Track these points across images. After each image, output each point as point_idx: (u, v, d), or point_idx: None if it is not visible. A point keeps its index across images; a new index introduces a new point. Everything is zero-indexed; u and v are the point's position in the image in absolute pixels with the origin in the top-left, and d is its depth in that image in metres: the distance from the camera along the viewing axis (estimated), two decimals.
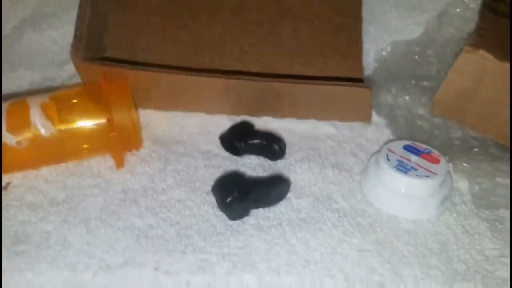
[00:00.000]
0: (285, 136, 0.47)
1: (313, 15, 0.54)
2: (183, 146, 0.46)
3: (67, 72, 0.52)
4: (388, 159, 0.39)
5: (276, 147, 0.44)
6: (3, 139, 0.38)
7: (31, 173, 0.41)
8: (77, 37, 0.44)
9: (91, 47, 0.46)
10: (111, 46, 0.49)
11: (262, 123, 0.49)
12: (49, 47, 0.55)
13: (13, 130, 0.38)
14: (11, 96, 0.49)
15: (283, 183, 0.41)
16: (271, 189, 0.39)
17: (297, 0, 0.55)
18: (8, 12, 0.56)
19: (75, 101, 0.41)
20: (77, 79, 0.51)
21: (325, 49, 0.53)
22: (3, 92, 0.50)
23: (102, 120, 0.40)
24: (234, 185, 0.38)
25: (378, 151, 0.42)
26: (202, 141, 0.47)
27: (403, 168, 0.38)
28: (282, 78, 0.48)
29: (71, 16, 0.55)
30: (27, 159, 0.39)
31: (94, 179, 0.42)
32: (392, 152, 0.40)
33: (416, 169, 0.38)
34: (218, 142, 0.47)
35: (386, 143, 0.44)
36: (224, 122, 0.49)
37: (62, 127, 0.39)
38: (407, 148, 0.41)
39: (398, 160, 0.39)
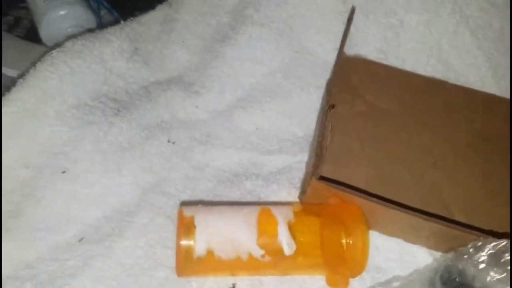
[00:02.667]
0: None
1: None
2: (385, 276, 0.46)
3: (272, 163, 0.54)
4: None
5: None
6: (251, 251, 0.39)
7: (256, 280, 0.43)
8: (317, 155, 0.46)
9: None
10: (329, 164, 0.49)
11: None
12: (256, 132, 0.56)
13: (262, 244, 0.39)
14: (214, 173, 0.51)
15: None
16: None
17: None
18: (224, 93, 0.58)
19: (311, 218, 0.42)
20: (283, 175, 0.52)
21: None
22: (215, 168, 0.52)
23: (335, 243, 0.40)
24: None
25: None
26: (401, 272, 0.47)
27: None
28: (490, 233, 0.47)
29: (282, 107, 0.58)
30: (258, 268, 0.41)
31: None
32: None
33: None
34: None
35: None
36: (422, 256, 0.49)
37: (298, 246, 0.40)
38: None
39: None
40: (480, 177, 0.52)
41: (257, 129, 0.57)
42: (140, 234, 0.45)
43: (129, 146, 0.50)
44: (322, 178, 0.46)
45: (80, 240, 0.44)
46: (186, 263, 0.39)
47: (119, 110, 0.52)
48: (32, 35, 0.67)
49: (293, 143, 0.56)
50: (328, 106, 0.51)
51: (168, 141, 0.53)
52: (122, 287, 0.41)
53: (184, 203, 0.47)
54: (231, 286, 0.42)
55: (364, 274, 0.45)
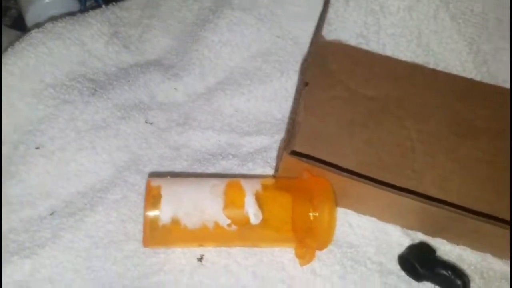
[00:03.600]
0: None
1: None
2: (356, 252, 0.46)
3: (250, 144, 0.54)
4: None
5: (459, 282, 0.43)
6: (217, 220, 0.39)
7: (224, 251, 0.43)
8: (289, 131, 0.46)
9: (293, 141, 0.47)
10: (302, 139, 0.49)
11: (434, 243, 0.48)
12: (235, 114, 0.56)
13: (228, 213, 0.39)
14: (196, 154, 0.51)
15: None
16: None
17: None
18: (204, 76, 0.58)
19: (281, 192, 0.42)
20: (260, 155, 0.52)
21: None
22: (191, 148, 0.52)
23: (304, 216, 0.40)
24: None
25: None
26: (374, 251, 0.47)
27: None
28: (465, 210, 0.46)
29: (261, 90, 0.59)
30: (225, 239, 0.41)
31: (279, 272, 0.43)
32: None
33: None
34: (390, 255, 0.47)
35: None
36: (396, 234, 0.49)
37: (266, 217, 0.40)
38: None
39: None
40: (460, 161, 0.52)
41: (236, 111, 0.57)
42: (112, 209, 0.45)
43: (104, 125, 0.50)
44: (294, 153, 0.46)
45: (52, 213, 0.44)
46: (152, 232, 0.39)
47: (96, 90, 0.52)
48: (18, 24, 0.67)
49: (271, 125, 0.56)
50: (302, 84, 0.51)
51: (146, 122, 0.53)
52: (91, 258, 0.42)
53: (153, 174, 0.47)
54: (199, 257, 0.42)
55: (335, 249, 0.45)
